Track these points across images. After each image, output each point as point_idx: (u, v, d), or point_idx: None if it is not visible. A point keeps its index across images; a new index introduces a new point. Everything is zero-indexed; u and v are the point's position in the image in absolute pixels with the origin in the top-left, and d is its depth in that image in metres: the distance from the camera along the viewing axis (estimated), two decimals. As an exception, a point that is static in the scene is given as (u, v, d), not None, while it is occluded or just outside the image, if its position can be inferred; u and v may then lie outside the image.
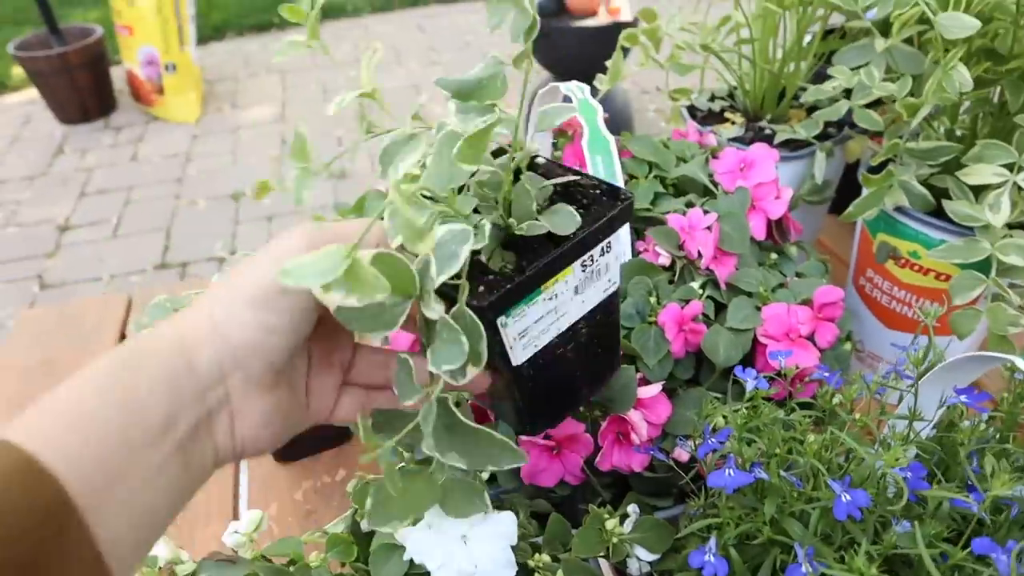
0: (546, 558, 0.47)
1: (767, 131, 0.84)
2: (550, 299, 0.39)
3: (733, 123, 0.88)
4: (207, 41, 4.21)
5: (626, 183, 0.68)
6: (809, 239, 0.94)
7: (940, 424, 0.51)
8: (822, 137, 0.82)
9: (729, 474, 0.39)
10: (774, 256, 0.67)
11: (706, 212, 0.62)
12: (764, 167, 0.68)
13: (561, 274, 0.39)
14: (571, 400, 0.48)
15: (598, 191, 0.41)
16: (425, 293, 0.34)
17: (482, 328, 0.34)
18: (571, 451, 0.54)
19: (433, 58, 3.87)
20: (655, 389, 0.53)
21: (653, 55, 0.85)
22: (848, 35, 0.86)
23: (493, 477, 0.56)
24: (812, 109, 0.87)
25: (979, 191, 0.66)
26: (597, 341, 0.45)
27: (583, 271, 0.40)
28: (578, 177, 0.42)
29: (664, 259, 0.61)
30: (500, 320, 0.37)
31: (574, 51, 2.37)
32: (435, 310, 0.34)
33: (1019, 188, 0.62)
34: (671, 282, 0.61)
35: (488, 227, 0.36)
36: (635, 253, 0.63)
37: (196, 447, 0.35)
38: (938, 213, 0.68)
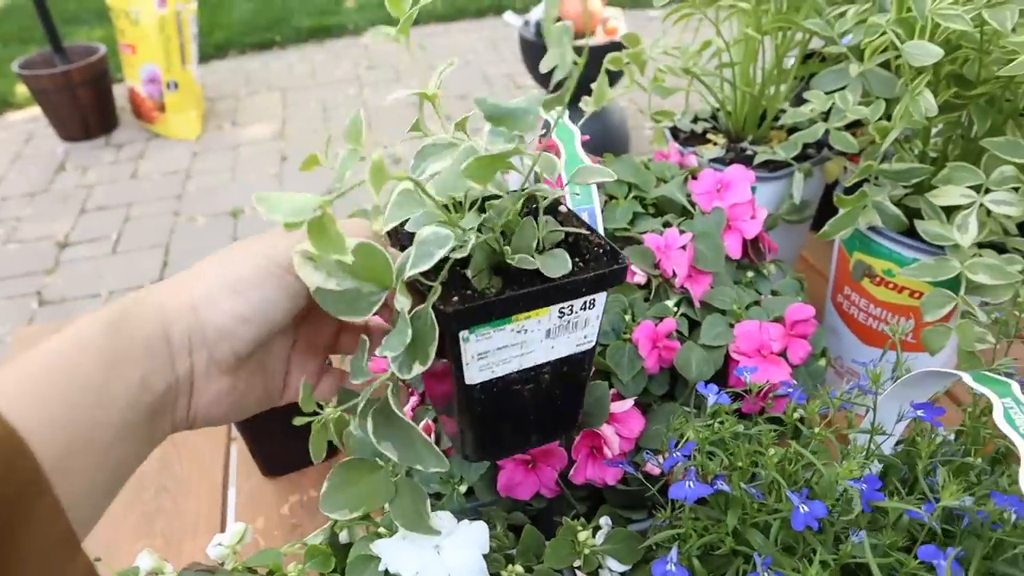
0: (519, 569, 0.48)
1: (748, 152, 0.86)
2: (519, 332, 0.40)
3: (715, 144, 0.89)
4: (209, 59, 4.25)
5: (605, 204, 0.70)
6: (791, 257, 0.96)
7: (908, 439, 0.52)
8: (801, 158, 0.84)
9: (689, 486, 0.40)
10: (750, 274, 0.69)
11: (682, 232, 0.64)
12: (740, 188, 0.70)
13: (535, 312, 0.40)
14: (518, 440, 0.49)
15: (601, 251, 0.42)
16: (399, 285, 0.36)
17: (436, 331, 0.36)
18: (546, 465, 0.55)
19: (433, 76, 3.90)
20: (627, 404, 0.54)
21: (637, 78, 0.87)
22: (828, 58, 0.88)
23: (471, 490, 0.57)
24: (793, 130, 0.89)
25: (951, 211, 0.67)
26: (559, 392, 0.46)
27: (560, 317, 0.41)
28: (589, 233, 0.43)
29: (640, 277, 0.63)
30: (463, 333, 0.38)
31: (569, 70, 2.40)
32: (401, 302, 0.36)
33: (987, 210, 0.64)
34: (647, 300, 0.62)
35: (472, 242, 0.37)
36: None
37: (162, 413, 0.37)
38: (911, 233, 0.70)
